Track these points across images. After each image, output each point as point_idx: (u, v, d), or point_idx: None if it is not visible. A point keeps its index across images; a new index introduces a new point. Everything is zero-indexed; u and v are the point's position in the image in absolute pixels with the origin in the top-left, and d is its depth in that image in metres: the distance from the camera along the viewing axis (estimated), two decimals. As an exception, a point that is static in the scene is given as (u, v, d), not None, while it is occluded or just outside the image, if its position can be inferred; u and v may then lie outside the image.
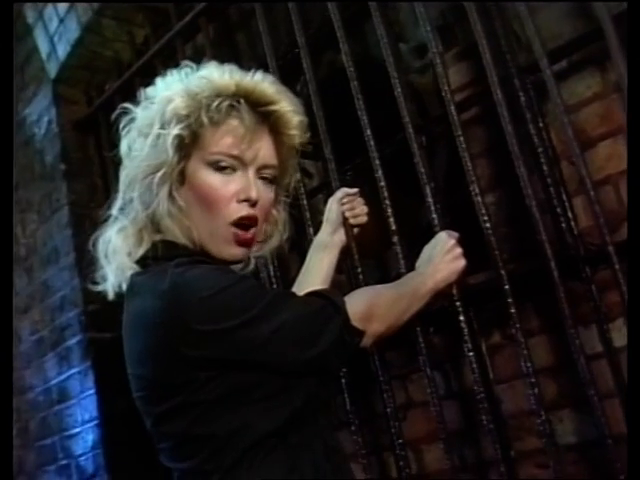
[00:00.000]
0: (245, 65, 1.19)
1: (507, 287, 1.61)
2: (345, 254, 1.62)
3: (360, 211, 1.60)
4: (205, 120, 1.06)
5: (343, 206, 1.60)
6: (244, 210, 1.08)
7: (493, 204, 1.84)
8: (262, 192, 1.10)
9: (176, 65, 1.16)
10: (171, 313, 0.97)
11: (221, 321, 0.98)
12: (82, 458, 2.49)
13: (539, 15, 1.67)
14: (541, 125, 1.73)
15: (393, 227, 1.79)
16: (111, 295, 1.11)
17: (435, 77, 1.85)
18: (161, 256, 1.06)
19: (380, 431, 2.05)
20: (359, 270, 1.83)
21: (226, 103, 1.07)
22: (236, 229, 1.09)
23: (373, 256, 2.32)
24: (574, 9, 1.65)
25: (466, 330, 1.65)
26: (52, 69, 2.79)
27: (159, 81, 1.15)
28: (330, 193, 1.69)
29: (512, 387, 1.80)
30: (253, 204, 1.09)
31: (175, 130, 1.05)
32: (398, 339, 1.86)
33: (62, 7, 2.70)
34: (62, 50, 2.75)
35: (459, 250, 1.43)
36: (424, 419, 1.97)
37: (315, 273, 1.49)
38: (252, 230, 1.11)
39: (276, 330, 1.01)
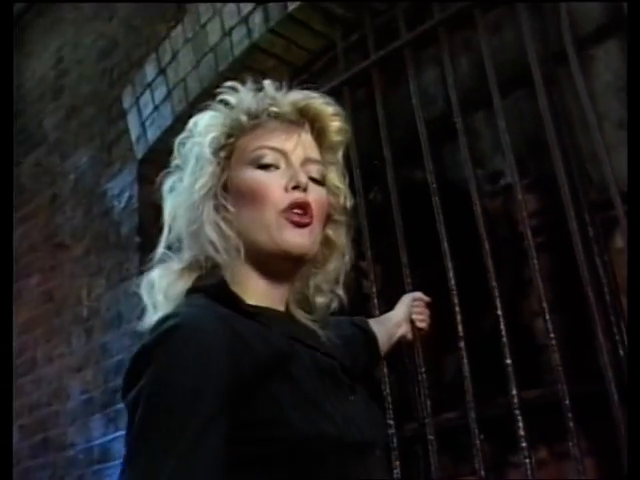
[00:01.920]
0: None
1: (567, 402, 1.74)
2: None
3: (425, 317, 1.78)
4: (244, 121, 1.05)
5: (414, 308, 1.78)
6: (295, 195, 1.01)
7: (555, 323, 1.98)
8: (312, 187, 1.04)
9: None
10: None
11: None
12: (116, 522, 2.54)
13: (613, 158, 1.88)
14: (606, 259, 1.90)
15: (460, 333, 1.93)
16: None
17: (505, 202, 2.06)
18: (204, 288, 0.99)
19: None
20: (422, 370, 1.97)
21: (263, 106, 1.06)
22: (288, 214, 1.01)
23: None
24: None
25: (523, 440, 1.77)
26: (140, 150, 3.01)
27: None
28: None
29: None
30: (304, 189, 1.02)
31: (211, 135, 1.04)
32: (449, 444, 2.02)
33: (158, 95, 2.95)
34: (152, 134, 2.98)
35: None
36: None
37: (381, 327, 1.63)
38: (308, 217, 1.02)
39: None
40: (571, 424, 1.71)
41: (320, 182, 1.07)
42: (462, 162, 2.09)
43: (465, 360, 1.92)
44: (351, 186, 2.17)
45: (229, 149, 1.05)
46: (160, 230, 2.87)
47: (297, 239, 1.00)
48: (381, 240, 2.33)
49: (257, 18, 2.61)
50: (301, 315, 1.09)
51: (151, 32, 3.20)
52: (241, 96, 1.08)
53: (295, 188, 1.02)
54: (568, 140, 1.99)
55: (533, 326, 1.95)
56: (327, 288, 1.10)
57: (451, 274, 2.00)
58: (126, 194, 2.96)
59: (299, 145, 1.05)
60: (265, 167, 1.03)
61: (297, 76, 2.70)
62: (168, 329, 0.88)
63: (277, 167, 1.03)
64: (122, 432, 2.65)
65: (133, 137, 3.04)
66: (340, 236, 1.12)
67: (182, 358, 0.85)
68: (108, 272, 2.94)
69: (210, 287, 0.98)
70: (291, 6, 2.48)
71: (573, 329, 1.92)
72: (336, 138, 1.12)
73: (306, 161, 1.05)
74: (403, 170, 2.39)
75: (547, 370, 1.85)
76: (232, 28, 2.71)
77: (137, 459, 0.83)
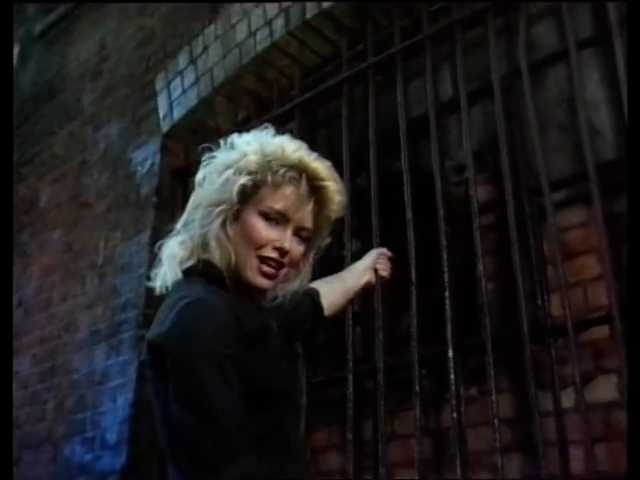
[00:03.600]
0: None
1: (489, 347, 2.17)
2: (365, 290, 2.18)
3: (387, 268, 2.20)
4: (269, 180, 1.29)
5: (379, 259, 2.21)
6: (274, 254, 1.30)
7: (492, 290, 2.40)
8: (295, 246, 1.33)
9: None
10: (158, 340, 1.19)
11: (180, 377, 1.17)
12: (108, 431, 2.95)
13: (549, 154, 2.32)
14: (538, 237, 2.34)
15: (414, 290, 2.38)
16: (157, 291, 1.32)
17: (466, 190, 2.50)
18: (200, 272, 1.28)
19: (362, 455, 2.54)
20: (380, 314, 2.41)
21: (290, 174, 1.30)
22: (263, 264, 1.30)
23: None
24: (576, 153, 2.28)
25: (453, 384, 2.21)
26: (165, 126, 3.48)
27: (241, 138, 1.36)
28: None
29: (478, 431, 2.29)
30: (284, 254, 1.30)
31: (242, 180, 1.28)
32: (394, 380, 2.43)
33: (187, 81, 3.43)
34: (177, 113, 3.45)
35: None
36: (402, 449, 2.45)
37: (340, 283, 1.98)
38: (278, 270, 1.31)
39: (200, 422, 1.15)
40: (491, 368, 2.15)
41: (305, 241, 1.36)
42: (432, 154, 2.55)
43: (414, 310, 2.36)
44: (340, 170, 2.68)
45: (252, 189, 1.30)
46: (174, 193, 3.33)
47: (261, 282, 1.30)
48: (361, 215, 2.78)
49: (279, 22, 3.09)
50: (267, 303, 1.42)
51: (186, 28, 3.68)
52: (278, 159, 1.30)
53: (279, 249, 1.30)
54: (519, 141, 2.45)
55: (474, 288, 2.37)
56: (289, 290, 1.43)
57: (412, 240, 2.45)
58: (149, 161, 3.40)
59: (301, 216, 1.31)
60: (268, 219, 1.30)
61: (307, 76, 3.18)
62: (201, 307, 1.20)
63: (277, 222, 1.30)
64: (122, 358, 3.08)
65: (161, 114, 3.50)
66: (307, 266, 1.43)
67: (211, 325, 1.19)
68: (125, 226, 3.37)
69: (210, 275, 1.29)
70: (309, 14, 2.97)
71: (505, 291, 2.35)
72: (334, 211, 1.39)
73: (300, 229, 1.33)
74: (386, 159, 2.84)
75: (481, 323, 2.27)
76: (257, 29, 3.19)
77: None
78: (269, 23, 3.15)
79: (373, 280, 2.19)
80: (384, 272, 2.22)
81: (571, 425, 2.10)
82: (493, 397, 2.14)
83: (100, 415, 3.05)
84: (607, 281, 2.06)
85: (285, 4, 3.09)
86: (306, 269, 1.43)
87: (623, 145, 2.18)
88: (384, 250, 2.27)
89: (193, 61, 3.49)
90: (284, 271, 1.33)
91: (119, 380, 3.02)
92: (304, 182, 1.31)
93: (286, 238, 1.30)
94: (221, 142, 1.37)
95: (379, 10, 2.92)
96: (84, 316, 3.39)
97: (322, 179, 1.33)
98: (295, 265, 1.37)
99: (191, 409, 1.17)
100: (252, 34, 3.23)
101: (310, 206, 1.33)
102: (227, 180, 1.29)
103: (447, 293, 2.31)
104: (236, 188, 1.27)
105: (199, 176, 1.35)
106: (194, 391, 1.17)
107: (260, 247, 1.29)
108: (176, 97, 3.48)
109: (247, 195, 1.29)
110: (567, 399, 2.13)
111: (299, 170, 1.30)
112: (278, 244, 1.29)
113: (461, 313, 2.37)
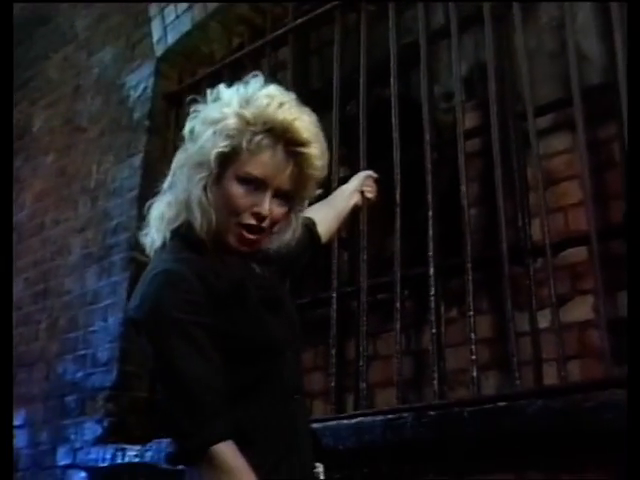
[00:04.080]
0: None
1: (469, 266, 2.22)
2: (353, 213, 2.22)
3: (373, 190, 2.23)
4: (244, 146, 1.28)
5: (365, 181, 2.24)
6: (252, 220, 1.31)
7: (475, 215, 2.44)
8: (275, 208, 1.33)
9: (260, 68, 1.55)
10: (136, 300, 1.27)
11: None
12: (99, 349, 3.03)
13: (536, 79, 2.33)
14: (522, 163, 2.37)
15: (398, 201, 2.42)
16: (147, 250, 1.37)
17: (454, 119, 2.51)
18: (182, 235, 1.32)
19: (345, 375, 2.62)
20: (364, 238, 2.45)
21: (266, 141, 1.30)
22: (242, 230, 1.31)
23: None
24: (563, 80, 2.29)
25: (433, 303, 2.26)
26: (159, 50, 3.46)
27: (227, 90, 1.36)
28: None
29: (457, 350, 2.36)
30: (262, 219, 1.31)
31: (220, 147, 1.28)
32: (377, 302, 2.49)
33: (181, 6, 3.40)
34: (171, 37, 3.43)
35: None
36: (383, 369, 2.53)
37: (332, 209, 2.02)
38: (258, 235, 1.33)
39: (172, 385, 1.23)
40: (470, 282, 2.19)
41: (286, 201, 1.36)
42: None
43: (398, 231, 2.40)
44: (331, 98, 2.68)
45: (231, 154, 1.29)
46: (167, 117, 3.32)
47: (243, 248, 1.33)
48: (350, 143, 2.80)
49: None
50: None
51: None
52: (250, 125, 1.29)
53: (257, 214, 1.31)
54: (508, 69, 2.46)
55: (457, 214, 2.41)
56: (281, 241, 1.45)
57: (397, 162, 2.48)
58: (142, 85, 3.40)
59: (280, 180, 1.31)
60: (247, 186, 1.30)
61: (301, 3, 3.16)
62: (166, 278, 1.25)
63: (256, 187, 1.30)
64: (114, 279, 3.13)
65: (155, 39, 3.48)
66: (298, 220, 1.45)
67: (175, 294, 1.23)
68: (117, 150, 3.39)
69: (190, 239, 1.32)
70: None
71: (488, 216, 2.39)
72: (315, 174, 1.38)
73: (279, 190, 1.33)
74: (377, 87, 2.85)
75: (462, 246, 2.31)
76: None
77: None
78: (262, -55, 3.11)
79: (360, 202, 2.23)
80: (370, 194, 2.25)
81: (546, 344, 2.17)
82: (471, 313, 2.19)
83: (91, 334, 3.12)
84: (587, 206, 2.10)
85: None
86: (297, 220, 1.44)
87: (610, 70, 2.19)
88: (370, 172, 2.30)
89: (187, -13, 3.46)
90: (265, 234, 1.35)
91: (110, 300, 3.08)
92: (282, 147, 1.31)
93: (264, 203, 1.30)
94: (207, 92, 1.38)
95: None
96: (76, 239, 3.43)
97: (302, 144, 1.32)
98: (277, 223, 1.37)
99: (163, 379, 1.24)
100: (246, -42, 3.20)
101: (289, 170, 1.32)
102: (207, 142, 1.29)
103: (430, 213, 2.34)
104: (213, 155, 1.28)
105: (186, 130, 1.36)
106: (164, 361, 1.23)
107: (239, 214, 1.30)
108: (170, 22, 3.46)
109: (226, 160, 1.30)
110: (544, 319, 2.19)
111: (278, 134, 1.30)
112: (256, 209, 1.30)
113: (444, 237, 2.41)
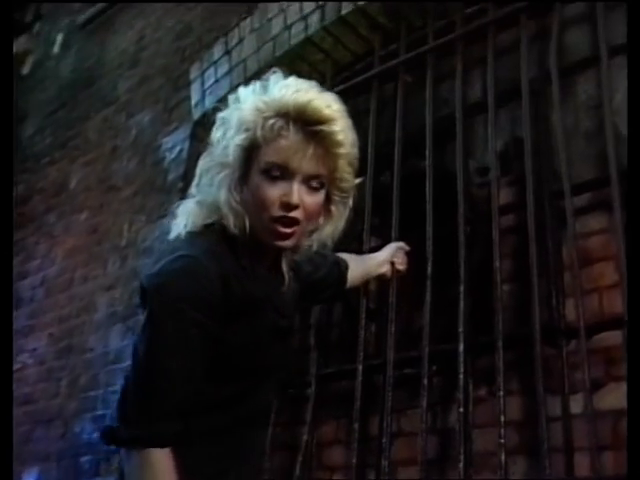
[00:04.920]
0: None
1: (500, 345, 2.15)
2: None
3: (404, 262, 2.21)
4: (259, 135, 1.23)
5: (397, 253, 2.22)
6: (282, 211, 1.24)
7: (507, 292, 2.38)
8: (306, 197, 1.26)
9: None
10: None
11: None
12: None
13: (574, 160, 2.30)
14: (557, 241, 2.32)
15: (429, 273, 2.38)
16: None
17: (489, 193, 2.49)
18: (218, 230, 1.27)
19: (367, 451, 2.52)
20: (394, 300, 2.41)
21: (278, 124, 1.23)
22: (276, 225, 1.25)
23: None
24: (600, 160, 2.26)
25: (461, 381, 2.19)
26: (196, 113, 3.52)
27: (245, 89, 1.33)
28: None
29: (484, 432, 2.27)
30: (292, 208, 1.25)
31: (238, 142, 1.24)
32: (404, 377, 2.42)
33: (221, 71, 3.47)
34: (209, 101, 3.49)
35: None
36: (407, 447, 2.43)
37: (362, 265, 2.04)
38: (293, 227, 1.26)
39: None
40: (500, 369, 2.12)
41: (318, 188, 1.28)
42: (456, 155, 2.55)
43: (428, 304, 2.35)
44: (365, 167, 2.68)
45: (249, 151, 1.26)
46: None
47: (280, 243, 1.27)
48: (382, 214, 2.78)
49: (315, 17, 3.12)
50: (285, 266, 1.38)
51: (223, 22, 3.72)
52: (265, 112, 1.24)
53: (287, 206, 1.24)
54: (545, 145, 2.43)
55: (490, 290, 2.35)
56: (317, 245, 1.38)
57: (430, 235, 2.44)
58: (177, 148, 3.45)
59: (303, 163, 1.24)
60: (272, 177, 1.24)
61: (340, 72, 3.20)
62: (191, 266, 1.19)
63: (282, 178, 1.24)
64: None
65: (193, 102, 3.54)
66: (340, 210, 1.36)
67: (192, 287, 1.18)
68: (150, 210, 3.42)
69: (226, 234, 1.26)
70: (344, 10, 2.99)
71: (521, 293, 2.33)
72: (342, 151, 1.29)
73: (307, 177, 1.26)
74: (411, 159, 2.84)
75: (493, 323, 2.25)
76: (293, 23, 3.22)
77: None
78: (304, 18, 3.17)
79: (389, 274, 2.21)
80: (401, 266, 2.24)
81: (578, 431, 2.07)
82: (501, 394, 2.11)
83: (112, 394, 3.08)
84: (623, 289, 2.04)
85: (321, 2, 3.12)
86: (338, 212, 1.36)
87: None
88: (402, 244, 2.30)
89: (228, 52, 3.53)
90: (302, 226, 1.28)
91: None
92: (300, 129, 1.24)
93: (292, 192, 1.24)
94: (229, 97, 1.34)
95: (414, 10, 2.93)
96: (103, 297, 3.43)
97: (319, 122, 1.24)
98: (314, 217, 1.31)
99: (140, 357, 1.17)
100: (287, 28, 3.26)
101: (310, 151, 1.25)
102: (228, 140, 1.25)
103: (462, 288, 2.29)
104: (234, 153, 1.24)
105: (213, 136, 1.32)
106: (149, 341, 1.17)
107: (268, 208, 1.24)
108: (209, 86, 3.52)
109: (249, 156, 1.26)
110: (576, 405, 2.10)
111: (293, 116, 1.23)
112: (284, 199, 1.24)
113: (475, 313, 2.35)
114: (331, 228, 1.36)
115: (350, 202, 1.38)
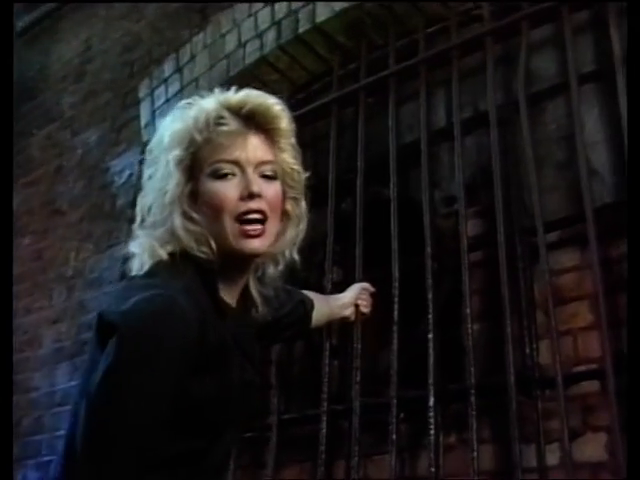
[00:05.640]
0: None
1: (473, 394, 2.04)
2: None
3: (368, 304, 2.10)
4: (198, 138, 1.16)
5: (361, 295, 2.10)
6: (247, 205, 1.16)
7: (477, 331, 2.27)
8: (265, 187, 1.18)
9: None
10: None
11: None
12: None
13: (544, 192, 2.20)
14: (529, 278, 2.22)
15: (395, 319, 2.25)
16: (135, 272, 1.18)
17: (455, 223, 2.37)
18: (189, 257, 1.15)
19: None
20: (358, 354, 2.27)
21: (212, 116, 1.17)
22: (242, 224, 1.16)
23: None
24: (572, 193, 2.16)
25: (432, 426, 2.07)
26: (146, 134, 3.33)
27: (164, 119, 1.27)
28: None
29: (455, 482, 2.16)
30: (255, 196, 1.16)
31: (175, 156, 1.15)
32: (370, 422, 2.29)
33: (172, 90, 3.29)
34: (159, 122, 3.31)
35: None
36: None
37: (327, 306, 1.91)
38: (261, 226, 1.18)
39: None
40: (473, 416, 2.01)
41: (274, 177, 1.21)
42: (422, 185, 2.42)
43: (395, 351, 2.23)
44: (325, 194, 2.55)
45: (190, 161, 1.17)
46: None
47: (250, 246, 1.17)
48: (344, 242, 2.65)
49: (270, 35, 2.96)
50: (254, 290, 1.29)
51: (174, 35, 3.54)
52: (196, 112, 1.19)
53: (249, 197, 1.16)
54: (514, 176, 2.32)
55: (459, 327, 2.24)
56: (282, 257, 1.27)
57: (396, 277, 2.32)
58: (127, 172, 3.26)
59: (250, 152, 1.18)
60: (223, 177, 1.16)
61: (296, 93, 3.05)
62: (147, 315, 1.04)
63: (234, 175, 1.17)
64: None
65: (142, 123, 3.36)
66: (296, 209, 1.28)
67: (174, 333, 1.04)
68: (97, 238, 3.22)
69: (200, 261, 1.15)
70: (301, 29, 2.84)
71: (491, 333, 2.22)
72: (284, 130, 1.24)
73: (259, 164, 1.19)
74: (374, 185, 2.71)
75: (465, 368, 2.14)
76: (247, 41, 3.06)
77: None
78: (260, 36, 3.02)
79: (353, 317, 2.11)
80: (365, 309, 2.13)
81: (555, 484, 1.97)
82: (474, 448, 2.01)
83: (58, 439, 2.88)
84: (601, 332, 1.94)
85: (277, 16, 2.97)
86: (295, 212, 1.27)
87: (622, 187, 2.06)
88: (367, 285, 2.18)
89: (179, 70, 3.35)
90: (269, 225, 1.19)
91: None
92: (231, 116, 1.18)
93: (249, 181, 1.16)
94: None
95: (374, 29, 2.80)
96: (48, 331, 3.23)
97: (254, 111, 1.19)
98: (278, 210, 1.22)
99: (99, 405, 1.01)
100: (242, 45, 3.10)
101: (253, 137, 1.19)
102: (166, 165, 1.16)
103: (431, 335, 2.17)
104: (176, 170, 1.15)
105: (144, 177, 1.24)
106: (116, 391, 1.01)
107: (230, 209, 1.15)
108: (159, 105, 3.34)
109: (192, 166, 1.17)
110: (552, 455, 2.00)
111: (226, 110, 1.18)
112: (245, 192, 1.16)
113: (445, 354, 2.24)
114: (293, 231, 1.27)
115: (303, 203, 1.29)
